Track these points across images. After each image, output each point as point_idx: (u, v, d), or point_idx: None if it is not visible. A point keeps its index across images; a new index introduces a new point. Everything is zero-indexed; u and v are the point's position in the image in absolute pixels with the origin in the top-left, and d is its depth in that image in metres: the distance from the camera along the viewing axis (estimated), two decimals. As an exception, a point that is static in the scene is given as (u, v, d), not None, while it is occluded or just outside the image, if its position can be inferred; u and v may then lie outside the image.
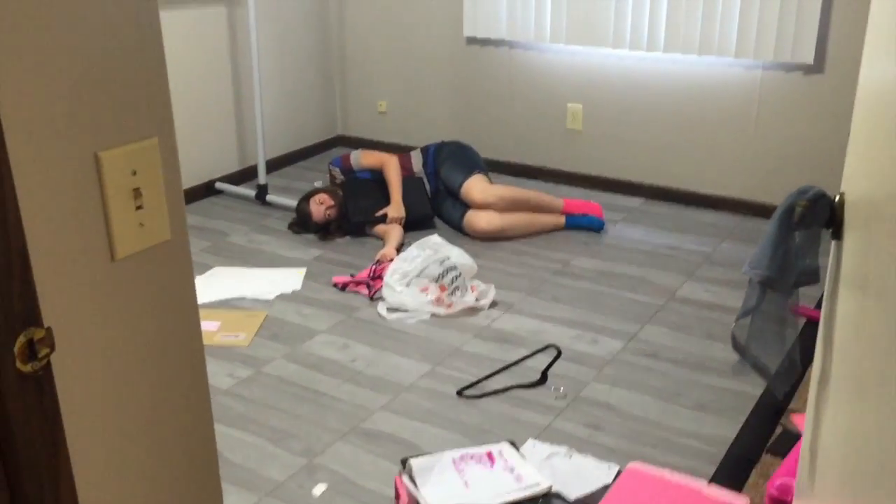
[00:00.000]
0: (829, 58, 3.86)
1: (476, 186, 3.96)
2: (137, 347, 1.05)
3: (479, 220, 3.93)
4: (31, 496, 0.91)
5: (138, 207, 1.01)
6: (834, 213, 1.06)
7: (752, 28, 3.91)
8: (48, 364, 0.90)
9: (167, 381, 1.10)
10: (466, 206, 4.00)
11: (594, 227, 4.03)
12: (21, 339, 0.86)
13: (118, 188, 0.97)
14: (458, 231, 4.01)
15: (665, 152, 4.38)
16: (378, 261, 3.62)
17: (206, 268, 3.69)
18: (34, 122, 0.87)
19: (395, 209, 3.97)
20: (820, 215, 1.23)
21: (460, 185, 3.99)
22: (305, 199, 4.05)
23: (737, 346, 1.60)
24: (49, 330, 0.89)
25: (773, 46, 3.88)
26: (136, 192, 1.00)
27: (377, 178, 4.12)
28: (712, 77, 4.14)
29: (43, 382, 0.89)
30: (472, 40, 4.75)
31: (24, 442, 0.88)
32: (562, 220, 4.04)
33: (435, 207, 4.13)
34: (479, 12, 4.58)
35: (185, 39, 4.31)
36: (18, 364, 0.86)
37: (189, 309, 1.11)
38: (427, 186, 4.14)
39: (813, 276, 1.44)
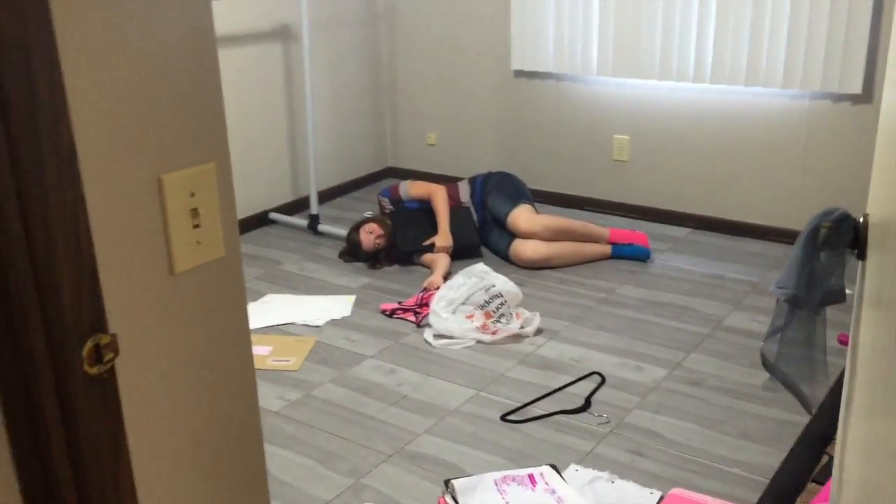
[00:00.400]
0: (878, 87, 3.84)
1: (522, 216, 4.02)
2: (193, 355, 1.13)
3: (526, 248, 3.98)
4: (93, 492, 0.99)
5: (195, 226, 1.09)
6: (858, 233, 1.09)
7: (799, 58, 3.92)
8: (112, 368, 0.98)
9: (220, 388, 1.18)
10: (513, 235, 4.05)
11: (640, 256, 4.05)
12: (89, 345, 0.95)
13: (178, 208, 1.06)
14: (505, 260, 4.07)
15: (712, 183, 4.39)
16: (425, 288, 3.70)
17: (259, 294, 3.81)
18: (105, 147, 0.96)
19: (443, 238, 4.05)
20: (844, 236, 1.26)
21: (507, 215, 4.06)
22: (356, 228, 4.15)
23: (766, 365, 1.63)
24: (114, 336, 0.97)
25: (821, 76, 3.89)
26: (194, 212, 1.09)
27: (425, 209, 4.21)
28: (759, 107, 4.15)
29: (107, 384, 0.98)
30: (519, 73, 4.84)
31: (89, 439, 0.97)
32: (608, 249, 4.08)
33: (482, 237, 4.19)
34: (527, 46, 4.67)
35: (243, 76, 4.48)
36: (86, 367, 0.95)
37: (240, 321, 1.19)
38: (474, 216, 4.22)
39: (839, 296, 1.46)
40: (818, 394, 2.18)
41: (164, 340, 1.08)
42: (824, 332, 1.48)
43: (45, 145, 0.83)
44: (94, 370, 0.95)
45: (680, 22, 4.19)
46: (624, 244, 4.08)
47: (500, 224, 4.12)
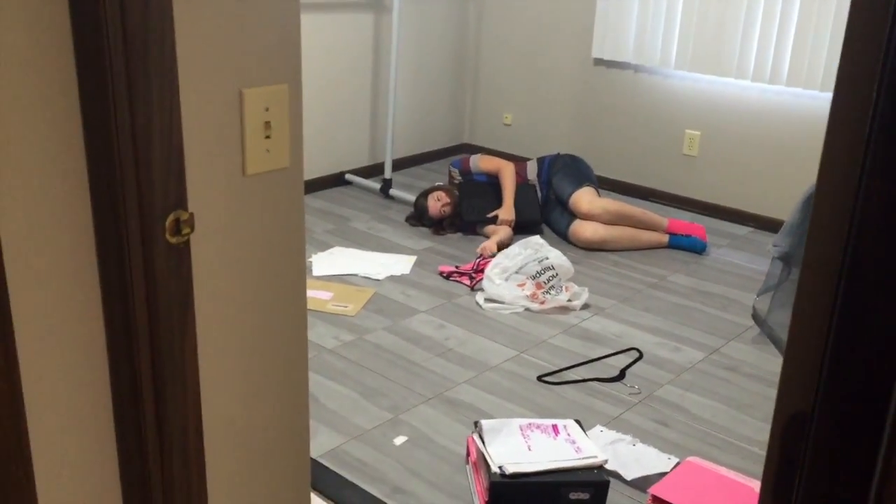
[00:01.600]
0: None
1: (584, 198, 4.16)
2: (254, 247, 1.33)
3: (585, 229, 4.11)
4: (164, 345, 1.21)
5: (267, 137, 1.29)
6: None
7: (876, 68, 3.93)
8: (188, 241, 1.19)
9: (274, 280, 1.38)
10: (573, 216, 4.19)
11: (696, 248, 4.14)
12: (171, 217, 1.16)
13: (254, 119, 1.26)
14: (564, 240, 4.21)
15: (777, 185, 4.44)
16: (480, 254, 3.87)
17: (327, 246, 4.05)
18: (199, 57, 1.17)
19: (507, 212, 4.21)
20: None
21: (569, 196, 4.19)
22: (424, 195, 4.35)
23: (756, 319, 1.74)
24: (192, 215, 1.18)
25: (897, 87, 3.89)
26: (267, 125, 1.29)
27: (493, 183, 4.37)
28: (833, 114, 4.17)
29: (183, 254, 1.19)
30: (599, 61, 4.95)
31: (165, 297, 1.18)
32: (665, 238, 4.18)
33: (544, 215, 4.34)
34: (609, 35, 4.78)
35: (334, 40, 4.72)
36: (168, 235, 1.16)
37: (297, 227, 1.39)
38: (539, 194, 4.36)
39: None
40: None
41: (232, 229, 1.29)
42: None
43: (152, 40, 1.04)
44: (173, 239, 1.17)
45: (761, 23, 4.24)
46: (681, 235, 4.17)
47: (563, 204, 4.26)
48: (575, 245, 4.15)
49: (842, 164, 0.61)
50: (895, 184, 0.55)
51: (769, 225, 4.47)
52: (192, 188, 1.19)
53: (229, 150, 1.25)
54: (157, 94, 1.08)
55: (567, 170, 4.34)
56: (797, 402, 0.69)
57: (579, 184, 4.23)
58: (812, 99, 4.24)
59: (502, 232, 4.11)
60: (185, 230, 1.18)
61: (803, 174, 4.34)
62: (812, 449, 0.60)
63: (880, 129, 0.54)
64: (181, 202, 1.16)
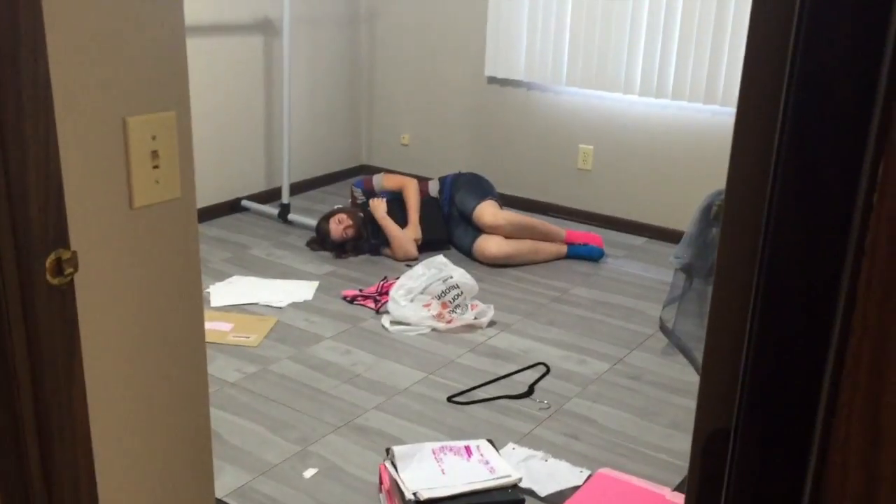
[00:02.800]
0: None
1: (488, 210, 4.19)
2: (146, 283, 1.26)
3: (489, 245, 4.13)
4: (49, 392, 1.12)
5: (155, 167, 1.23)
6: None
7: (755, 80, 4.10)
8: (72, 281, 1.11)
9: (169, 317, 1.31)
10: (477, 232, 4.20)
11: (594, 255, 4.23)
12: (52, 257, 1.08)
13: (139, 148, 1.19)
14: (468, 256, 4.21)
15: (669, 195, 4.57)
16: (384, 277, 3.84)
17: (225, 275, 3.93)
18: (77, 85, 1.10)
19: (412, 230, 4.20)
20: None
21: (473, 209, 4.21)
22: (325, 218, 4.29)
23: (664, 330, 1.78)
24: (74, 253, 1.11)
25: (775, 98, 4.07)
26: (154, 154, 1.22)
27: (398, 199, 4.35)
28: (716, 125, 4.34)
29: (66, 296, 1.11)
30: (492, 80, 5.00)
31: (48, 343, 1.09)
32: (564, 248, 4.25)
33: (448, 233, 4.34)
34: (501, 54, 4.84)
35: (224, 65, 4.60)
36: (48, 277, 1.08)
37: (192, 257, 1.32)
38: (441, 211, 4.37)
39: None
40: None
41: (120, 266, 1.21)
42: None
43: (23, 73, 0.96)
44: (55, 281, 1.08)
45: (646, 38, 4.38)
46: (579, 244, 4.26)
47: (466, 219, 4.27)
48: (480, 262, 4.16)
49: (750, 173, 0.61)
50: (807, 186, 0.55)
51: (664, 235, 4.60)
52: (74, 224, 1.12)
53: (114, 183, 1.18)
54: (30, 124, 1.00)
55: (469, 186, 4.36)
56: (717, 417, 0.68)
57: (482, 197, 4.26)
58: (696, 112, 4.39)
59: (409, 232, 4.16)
60: (68, 270, 1.10)
61: (693, 184, 4.49)
62: (736, 466, 0.60)
63: (791, 135, 0.54)
64: (62, 240, 1.08)
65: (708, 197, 1.62)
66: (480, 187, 4.37)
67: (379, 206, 4.24)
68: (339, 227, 4.19)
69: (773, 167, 0.55)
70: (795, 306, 0.56)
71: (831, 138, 0.57)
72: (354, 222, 4.21)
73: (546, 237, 4.24)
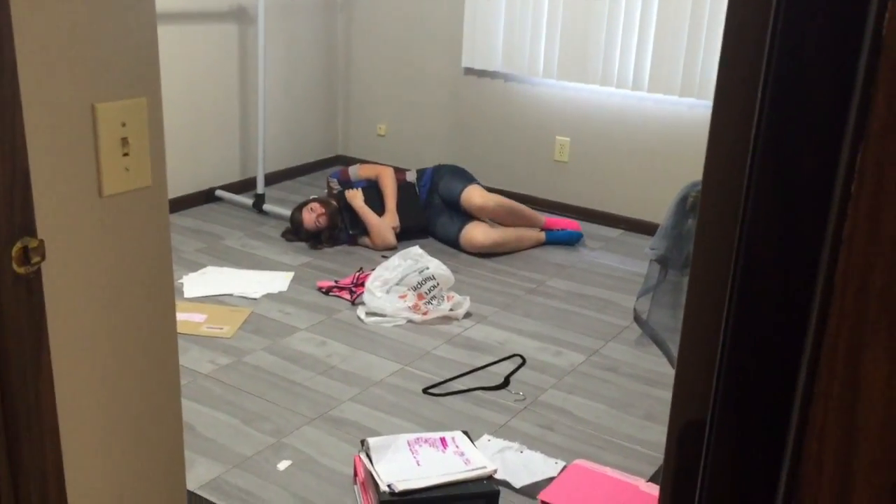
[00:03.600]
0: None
1: (476, 192, 4.24)
2: (116, 273, 1.24)
3: (477, 234, 4.14)
4: (15, 384, 1.10)
5: (125, 154, 1.20)
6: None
7: (730, 73, 4.12)
8: (39, 270, 1.09)
9: (140, 307, 1.29)
10: (464, 220, 4.21)
11: (573, 239, 4.34)
12: (18, 245, 1.05)
13: (109, 135, 1.17)
14: (454, 247, 4.21)
15: (645, 187, 4.59)
16: (360, 268, 3.82)
17: (198, 266, 3.89)
18: (43, 71, 1.07)
19: (390, 218, 4.19)
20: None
21: (461, 192, 4.25)
22: (299, 208, 4.26)
23: (638, 321, 1.78)
24: (42, 242, 1.08)
25: (750, 92, 4.10)
26: (124, 141, 1.20)
27: (374, 188, 4.33)
28: (692, 118, 4.36)
29: (33, 285, 1.08)
30: (469, 71, 4.99)
31: (14, 333, 1.07)
32: (542, 235, 4.29)
33: (429, 223, 4.33)
34: (478, 45, 4.82)
35: (197, 53, 4.55)
36: (14, 266, 1.05)
37: (163, 247, 1.30)
38: (419, 198, 4.36)
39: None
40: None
41: (89, 255, 1.19)
42: (690, 292, 1.64)
43: (-13, 57, 0.94)
44: (21, 270, 1.06)
45: (623, 31, 4.38)
46: (557, 229, 4.36)
47: (451, 206, 4.27)
48: (467, 251, 4.16)
49: (727, 163, 0.60)
50: (784, 176, 0.54)
51: (639, 226, 4.61)
52: (41, 213, 1.09)
53: (83, 170, 1.16)
54: (-5, 110, 0.97)
55: (453, 173, 4.41)
56: (692, 408, 0.68)
57: (468, 182, 4.31)
58: (673, 104, 4.40)
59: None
60: (35, 259, 1.07)
61: (669, 176, 4.51)
62: (711, 456, 0.59)
63: (768, 125, 0.53)
64: (29, 228, 1.06)
65: (684, 188, 1.62)
66: (465, 175, 4.42)
67: (357, 196, 4.22)
68: (312, 215, 4.17)
69: (751, 157, 0.55)
70: (772, 297, 0.55)
71: (808, 128, 0.56)
72: (327, 211, 4.19)
73: (529, 222, 4.33)
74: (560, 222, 4.42)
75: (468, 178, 4.36)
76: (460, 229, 4.19)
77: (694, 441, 0.66)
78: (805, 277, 0.54)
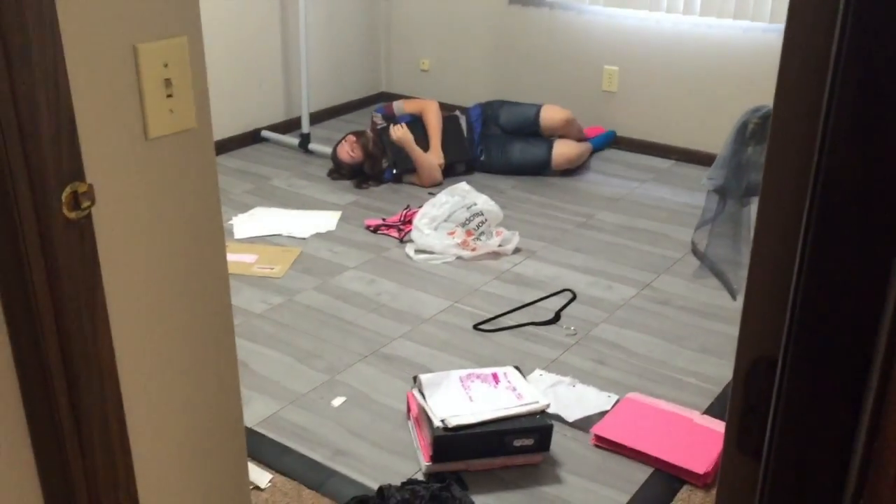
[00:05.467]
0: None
1: (553, 108, 4.34)
2: (165, 215, 1.23)
3: (569, 148, 4.28)
4: (72, 326, 1.11)
5: (168, 96, 1.18)
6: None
7: (787, -7, 3.95)
8: (90, 215, 1.09)
9: (191, 249, 1.29)
10: (547, 141, 4.26)
11: (610, 140, 4.64)
12: (67, 191, 1.05)
13: (152, 76, 1.15)
14: (538, 170, 4.26)
15: (697, 116, 4.46)
16: (407, 206, 3.80)
17: (247, 207, 3.91)
18: (84, 14, 1.05)
19: (434, 155, 4.15)
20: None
21: (537, 112, 4.32)
22: (337, 144, 4.24)
23: (696, 253, 1.74)
24: (91, 186, 1.08)
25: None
26: (167, 83, 1.18)
27: (418, 122, 4.27)
28: (747, 41, 4.20)
29: (84, 229, 1.09)
30: (514, 1, 4.86)
31: (69, 278, 1.08)
32: (590, 145, 4.52)
33: (499, 158, 4.30)
34: (522, -27, 4.68)
35: (237, -9, 4.50)
36: (65, 210, 1.05)
37: (211, 188, 1.29)
38: (464, 128, 4.31)
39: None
40: (742, 280, 2.33)
41: (138, 198, 1.19)
42: (749, 223, 1.57)
43: (27, 8, 0.92)
44: (72, 214, 1.06)
45: (673, -47, 4.20)
46: (595, 136, 4.58)
47: (523, 129, 4.29)
48: (556, 169, 4.25)
49: (801, 83, 0.56)
50: (870, 94, 0.50)
51: (692, 157, 4.50)
52: (89, 157, 1.08)
53: (128, 113, 1.14)
54: (37, 56, 0.96)
55: (511, 104, 4.44)
56: (760, 345, 0.65)
57: (535, 104, 4.38)
58: (726, 28, 4.24)
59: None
60: (85, 203, 1.07)
61: (722, 104, 4.37)
62: (784, 397, 0.56)
63: (853, 36, 0.49)
64: (77, 173, 1.05)
65: (743, 115, 1.55)
66: (521, 103, 4.47)
67: (406, 133, 4.17)
68: (346, 146, 4.16)
69: (832, 73, 0.50)
70: (853, 225, 0.52)
71: None
72: (359, 140, 4.15)
73: (584, 133, 4.52)
74: (593, 131, 4.60)
75: (529, 103, 4.42)
76: (550, 148, 4.24)
77: (763, 379, 0.63)
78: (890, 202, 0.50)
